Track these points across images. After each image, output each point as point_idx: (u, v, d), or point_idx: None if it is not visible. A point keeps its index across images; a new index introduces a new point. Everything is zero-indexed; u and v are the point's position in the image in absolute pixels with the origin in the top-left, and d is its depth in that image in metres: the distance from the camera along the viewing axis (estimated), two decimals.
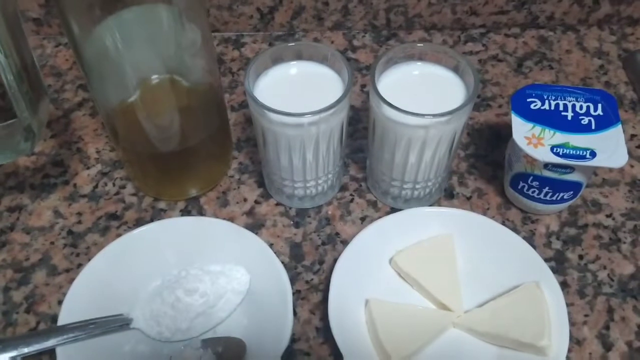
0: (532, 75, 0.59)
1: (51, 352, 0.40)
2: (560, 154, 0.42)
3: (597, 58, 0.60)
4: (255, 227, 0.48)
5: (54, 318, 0.44)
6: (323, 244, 0.47)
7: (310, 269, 0.46)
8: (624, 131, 0.43)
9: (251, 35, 0.63)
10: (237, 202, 0.50)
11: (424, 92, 0.43)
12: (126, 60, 0.41)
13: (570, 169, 0.43)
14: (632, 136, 0.54)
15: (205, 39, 0.43)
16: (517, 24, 0.63)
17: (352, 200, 0.50)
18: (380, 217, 0.48)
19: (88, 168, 0.52)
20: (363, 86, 0.58)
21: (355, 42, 0.63)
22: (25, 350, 0.39)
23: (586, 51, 0.61)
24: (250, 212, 0.49)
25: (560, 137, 0.43)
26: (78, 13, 0.38)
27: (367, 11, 0.61)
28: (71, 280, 0.45)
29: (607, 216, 0.49)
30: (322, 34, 0.63)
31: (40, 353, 0.40)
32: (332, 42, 0.63)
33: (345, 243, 0.47)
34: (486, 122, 0.55)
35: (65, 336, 0.39)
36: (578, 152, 0.42)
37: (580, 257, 0.46)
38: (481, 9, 0.61)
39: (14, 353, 0.38)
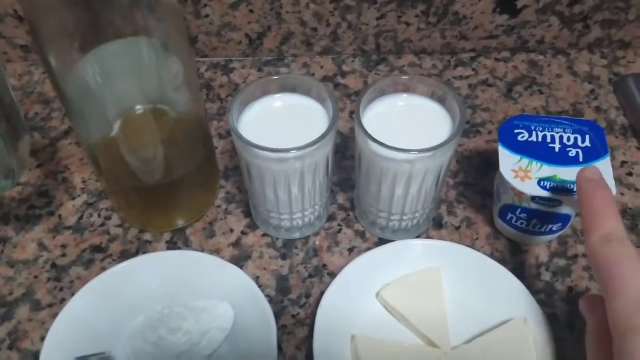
0: (522, 100, 0.58)
1: None
2: (547, 187, 0.42)
3: (587, 82, 0.60)
4: (241, 258, 0.48)
5: (37, 355, 0.43)
6: (310, 276, 0.47)
7: (296, 303, 0.45)
8: (613, 158, 0.43)
9: (240, 61, 0.63)
10: (224, 233, 0.49)
11: (410, 124, 0.43)
12: (107, 95, 0.40)
13: (558, 201, 0.42)
14: (623, 163, 0.53)
15: (188, 70, 0.42)
16: (507, 47, 0.63)
17: (339, 231, 0.50)
18: (368, 248, 0.48)
19: (73, 198, 0.52)
20: (352, 112, 0.58)
21: (345, 67, 0.62)
22: None
23: (576, 75, 0.61)
24: (236, 244, 0.49)
25: (547, 170, 0.42)
26: (57, 48, 0.37)
27: (356, 36, 0.61)
28: (54, 315, 0.44)
29: None
30: (311, 58, 0.63)
31: None
32: (322, 67, 0.62)
33: (332, 275, 0.47)
34: (475, 148, 0.55)
35: None
36: (565, 185, 0.42)
37: (570, 289, 0.46)
38: (471, 34, 0.61)
39: None
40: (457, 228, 0.49)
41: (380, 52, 0.63)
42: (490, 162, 0.54)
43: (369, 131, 0.40)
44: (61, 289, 0.46)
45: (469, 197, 0.51)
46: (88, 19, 0.36)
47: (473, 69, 0.62)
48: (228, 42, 0.61)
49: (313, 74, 0.62)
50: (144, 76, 0.41)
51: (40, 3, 0.35)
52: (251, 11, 0.58)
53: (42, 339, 0.44)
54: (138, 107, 0.43)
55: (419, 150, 0.39)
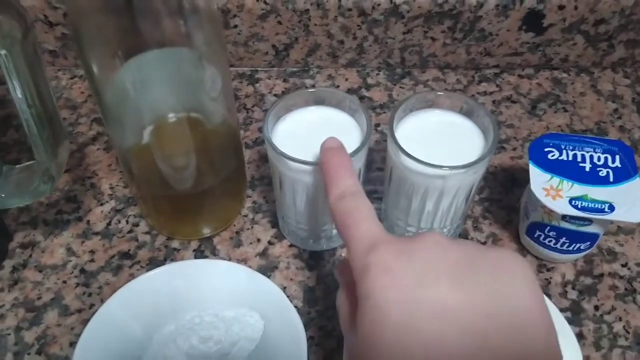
0: (547, 117, 0.59)
1: None
2: (579, 207, 0.42)
3: (611, 101, 0.60)
4: (268, 269, 0.48)
5: None
6: (337, 288, 0.47)
7: (324, 315, 0.46)
8: None
9: (266, 71, 0.64)
10: (251, 243, 0.50)
11: (442, 140, 0.43)
12: (145, 102, 0.41)
13: (589, 221, 0.43)
14: None
15: (225, 80, 0.43)
16: (531, 65, 0.63)
17: None
18: None
19: (101, 204, 0.52)
20: (377, 125, 0.58)
21: (369, 80, 0.63)
22: None
23: (600, 94, 0.61)
24: (263, 254, 0.49)
25: (578, 189, 0.43)
26: (99, 54, 0.38)
27: (382, 50, 0.62)
28: (83, 321, 0.45)
29: (623, 266, 0.48)
30: (336, 71, 0.64)
31: None
32: (346, 79, 0.63)
33: None
34: (500, 165, 0.55)
35: None
36: (596, 205, 0.42)
37: (596, 307, 0.46)
38: (495, 50, 0.61)
39: None
40: (483, 244, 0.50)
41: (405, 66, 0.63)
42: (515, 179, 0.54)
43: (402, 146, 0.41)
44: (90, 295, 0.47)
45: (495, 213, 0.52)
46: (130, 28, 0.37)
47: (497, 85, 0.62)
48: (255, 53, 0.62)
49: (338, 86, 0.62)
50: (183, 86, 0.41)
51: (85, 11, 0.36)
52: (280, 23, 0.59)
53: (71, 344, 0.44)
54: (174, 115, 0.43)
55: (454, 167, 0.40)
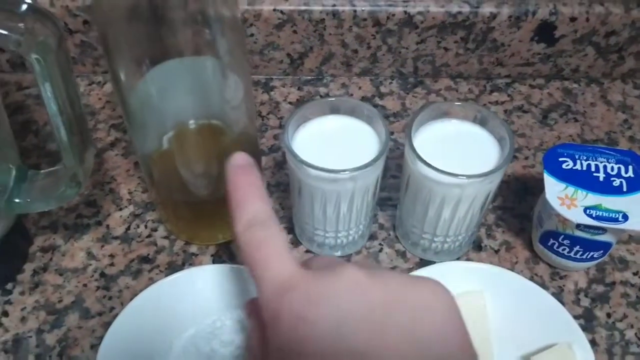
0: (558, 127, 0.60)
1: None
2: (594, 216, 0.43)
3: (621, 112, 0.61)
4: None
5: None
6: None
7: None
8: None
9: (280, 79, 0.65)
10: None
11: (458, 150, 0.44)
12: (168, 109, 0.42)
13: (603, 230, 0.43)
14: None
15: (246, 90, 0.44)
16: (542, 75, 0.64)
17: (381, 250, 0.51)
18: (409, 268, 0.49)
19: (120, 209, 0.53)
20: (390, 133, 0.59)
21: (383, 89, 0.64)
22: None
23: (610, 105, 0.62)
24: None
25: (592, 199, 0.43)
26: (126, 61, 0.39)
27: (395, 59, 0.63)
28: (104, 324, 0.45)
29: (634, 274, 0.49)
30: (349, 79, 0.64)
31: None
32: (360, 87, 0.64)
33: None
34: (513, 173, 0.56)
35: None
36: (611, 215, 0.43)
37: (608, 315, 0.47)
38: (507, 60, 0.62)
39: None
40: (497, 251, 0.50)
41: (417, 75, 0.64)
42: (527, 187, 0.55)
43: (420, 154, 0.42)
44: (110, 298, 0.47)
45: (508, 221, 0.52)
46: (156, 36, 0.38)
47: (508, 95, 0.63)
48: (270, 61, 0.63)
49: (351, 95, 0.63)
50: (206, 94, 0.42)
51: (113, 20, 0.37)
52: (295, 32, 0.60)
53: (92, 347, 0.45)
54: (196, 122, 0.44)
55: (471, 176, 0.41)
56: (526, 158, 0.57)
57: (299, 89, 0.64)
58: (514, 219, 0.52)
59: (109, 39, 0.37)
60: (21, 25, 0.32)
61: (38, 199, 0.42)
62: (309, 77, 0.65)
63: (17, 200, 0.42)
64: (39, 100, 0.62)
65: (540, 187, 0.50)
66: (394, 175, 0.55)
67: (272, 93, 0.63)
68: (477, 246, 0.51)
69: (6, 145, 0.42)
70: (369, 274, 0.26)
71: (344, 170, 0.41)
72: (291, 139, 0.44)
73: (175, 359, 0.42)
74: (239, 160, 0.32)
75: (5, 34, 0.31)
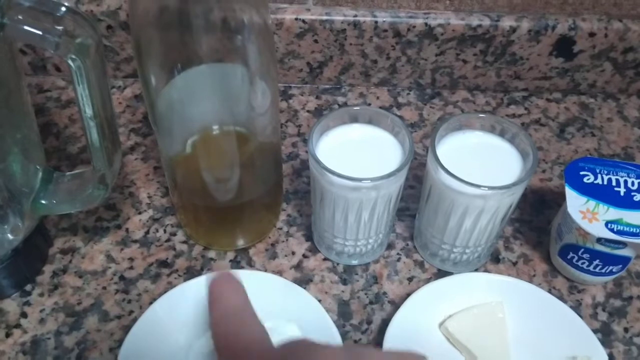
0: (575, 141, 0.60)
1: None
2: (615, 230, 0.43)
3: (637, 128, 0.62)
4: (303, 281, 0.49)
5: None
6: (371, 303, 0.48)
7: (358, 329, 0.46)
8: None
9: (299, 88, 0.65)
10: (286, 255, 0.51)
11: (481, 161, 0.44)
12: (195, 113, 0.42)
13: (623, 244, 0.44)
14: None
15: (273, 97, 0.44)
16: (559, 89, 0.64)
17: (399, 260, 0.51)
18: (427, 279, 0.49)
19: (140, 213, 0.53)
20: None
21: (400, 99, 0.64)
22: None
23: (627, 120, 0.62)
24: (298, 266, 0.50)
25: (614, 213, 0.44)
26: (158, 67, 0.39)
27: (414, 70, 0.63)
28: (123, 327, 0.45)
29: None
30: (367, 89, 0.65)
31: None
32: (378, 97, 0.64)
33: (392, 303, 0.48)
34: (530, 187, 0.56)
35: None
36: (632, 230, 0.43)
37: (626, 329, 0.47)
38: (525, 74, 0.63)
39: None
40: (515, 264, 0.51)
41: (435, 86, 0.65)
42: (545, 201, 0.55)
43: (443, 164, 0.42)
44: (129, 302, 0.48)
45: (525, 234, 0.52)
46: (188, 42, 0.38)
47: (525, 108, 0.63)
48: (289, 70, 0.63)
49: (369, 104, 0.63)
50: (233, 100, 0.42)
51: (147, 25, 0.37)
52: (316, 41, 0.60)
53: (111, 350, 0.45)
54: (221, 127, 0.44)
55: (494, 187, 0.41)
56: (543, 171, 0.58)
57: (317, 97, 0.64)
58: (532, 232, 0.53)
59: (141, 43, 0.37)
60: (60, 27, 0.32)
61: (64, 201, 0.42)
62: (328, 86, 0.65)
63: (43, 202, 0.42)
64: (60, 103, 0.62)
65: (557, 200, 0.50)
66: (412, 186, 0.56)
67: (290, 101, 0.64)
68: (495, 258, 0.51)
69: (33, 147, 0.42)
70: (348, 355, 0.25)
71: (367, 179, 0.41)
72: (315, 146, 0.44)
73: None
74: (219, 273, 0.33)
75: (44, 36, 0.32)
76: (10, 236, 0.43)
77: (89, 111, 0.35)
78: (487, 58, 0.61)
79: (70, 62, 0.33)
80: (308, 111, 0.63)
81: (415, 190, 0.55)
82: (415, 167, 0.57)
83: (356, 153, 0.45)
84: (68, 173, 0.44)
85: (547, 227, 0.52)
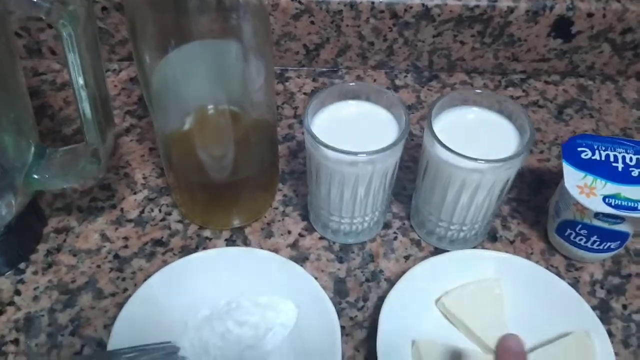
0: (573, 123, 0.60)
1: None
2: (613, 204, 0.42)
3: (636, 109, 0.61)
4: (299, 260, 0.49)
5: (100, 342, 0.44)
6: (367, 280, 0.48)
7: (354, 306, 0.46)
8: None
9: (295, 70, 0.65)
10: (282, 234, 0.50)
11: (477, 136, 0.44)
12: (190, 91, 0.42)
13: (621, 219, 0.43)
14: None
15: (268, 75, 0.44)
16: (557, 71, 0.64)
17: (395, 238, 0.50)
18: (424, 257, 0.49)
19: (135, 193, 0.53)
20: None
21: (398, 82, 0.64)
22: None
23: (625, 102, 0.62)
24: (294, 245, 0.50)
25: (612, 188, 0.43)
26: (152, 45, 0.39)
27: (411, 52, 0.63)
28: (117, 305, 0.45)
29: None
30: (364, 72, 0.65)
31: None
32: (375, 80, 0.64)
33: (389, 281, 0.47)
34: (528, 167, 0.56)
35: None
36: (630, 204, 0.42)
37: (624, 306, 0.46)
38: (523, 56, 0.62)
39: None
40: (512, 242, 0.50)
41: (432, 69, 0.64)
42: (543, 180, 0.55)
43: (440, 139, 0.42)
44: (124, 279, 0.47)
45: (523, 213, 0.52)
46: (182, 19, 0.38)
47: (523, 90, 0.63)
48: (286, 52, 0.63)
49: None
50: (227, 77, 0.42)
51: (140, 5, 0.37)
52: (312, 22, 0.60)
53: (105, 326, 0.45)
54: (216, 105, 0.44)
55: (491, 161, 0.41)
56: (541, 152, 0.57)
57: (314, 80, 0.64)
58: (529, 211, 0.52)
59: (136, 22, 0.37)
60: None
61: (56, 176, 0.42)
62: (324, 69, 0.65)
63: (35, 176, 0.42)
64: (55, 86, 0.62)
65: (555, 180, 0.50)
66: (409, 167, 0.55)
67: (287, 84, 0.63)
68: (492, 237, 0.51)
69: (25, 121, 0.42)
70: None
71: (363, 153, 0.41)
72: (311, 122, 0.44)
73: (190, 339, 0.42)
74: (514, 344, 0.36)
75: (36, 2, 0.31)
76: (3, 212, 0.42)
77: (80, 80, 0.35)
78: (485, 39, 0.61)
79: (61, 28, 0.33)
80: (304, 93, 0.62)
81: (412, 171, 0.55)
82: (412, 147, 0.57)
83: (352, 129, 0.45)
84: (61, 149, 0.43)
85: (545, 207, 0.52)
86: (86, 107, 0.36)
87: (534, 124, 0.60)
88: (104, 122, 0.38)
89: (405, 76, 0.64)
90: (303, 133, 0.57)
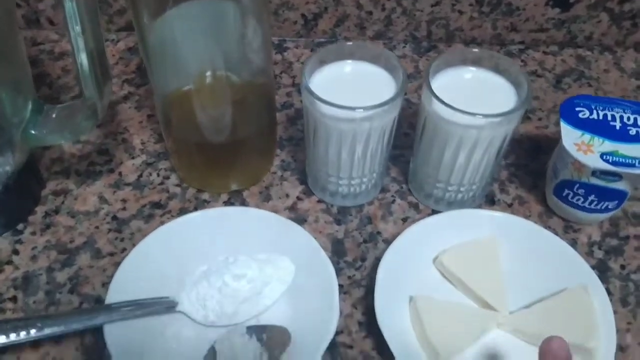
0: (571, 91, 0.60)
1: (95, 331, 0.40)
2: (610, 161, 0.42)
3: (634, 79, 0.61)
4: (297, 221, 0.48)
5: (98, 299, 0.44)
6: (365, 241, 0.48)
7: (352, 265, 0.46)
8: None
9: (294, 41, 0.65)
10: (280, 197, 0.50)
11: (475, 95, 0.44)
12: (187, 51, 0.42)
13: (618, 176, 0.43)
14: None
15: (265, 35, 0.44)
16: (556, 42, 0.64)
17: (393, 202, 0.50)
18: (422, 219, 0.49)
19: (133, 158, 0.53)
20: (405, 93, 0.59)
21: (396, 52, 0.64)
22: (74, 326, 0.39)
23: (623, 71, 0.62)
24: (292, 208, 0.50)
25: (609, 146, 0.43)
26: (149, 1, 0.39)
27: (410, 22, 0.63)
28: (115, 264, 0.45)
29: None
30: (363, 42, 0.64)
31: (85, 331, 0.40)
32: None
33: (387, 242, 0.47)
34: (526, 133, 0.56)
35: (112, 315, 0.39)
36: (627, 160, 0.42)
37: (622, 267, 0.47)
38: (521, 25, 0.62)
39: (62, 328, 0.39)
40: (510, 205, 0.50)
41: (431, 39, 0.64)
42: (541, 147, 0.55)
43: (438, 95, 0.42)
44: (122, 240, 0.47)
45: (521, 177, 0.52)
46: None
47: (522, 61, 0.63)
48: (284, 22, 0.63)
49: None
50: (225, 37, 0.42)
51: None
52: None
53: (104, 284, 0.45)
54: (214, 66, 0.44)
55: (489, 115, 0.41)
56: (540, 119, 0.57)
57: (312, 50, 0.64)
58: (528, 176, 0.52)
59: None
60: None
61: (54, 131, 0.42)
62: (323, 40, 0.65)
63: (32, 132, 0.42)
64: (53, 55, 0.62)
65: (553, 146, 0.50)
66: (407, 133, 0.55)
67: (285, 54, 0.63)
68: (490, 200, 0.51)
69: (22, 77, 0.42)
70: None
71: (360, 108, 0.41)
72: (309, 81, 0.44)
73: (187, 294, 0.42)
74: (558, 347, 0.33)
75: None
76: (1, 169, 0.42)
77: (77, 28, 0.35)
78: (483, 9, 0.61)
79: None
80: (303, 63, 0.62)
81: (410, 138, 0.54)
82: (410, 115, 0.57)
83: (350, 88, 0.44)
84: (58, 105, 0.43)
85: (543, 171, 0.52)
86: (83, 58, 0.36)
87: (533, 93, 0.60)
88: (101, 76, 0.38)
89: (404, 47, 0.64)
90: (301, 101, 0.57)
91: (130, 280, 0.42)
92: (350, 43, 0.46)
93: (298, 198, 0.51)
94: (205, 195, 0.50)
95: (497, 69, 0.45)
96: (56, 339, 0.41)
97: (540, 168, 0.52)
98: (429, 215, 0.49)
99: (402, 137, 0.55)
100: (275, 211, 0.49)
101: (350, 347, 0.42)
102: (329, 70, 0.45)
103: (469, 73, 0.45)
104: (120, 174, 0.52)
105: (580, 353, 0.39)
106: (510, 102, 0.43)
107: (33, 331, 0.38)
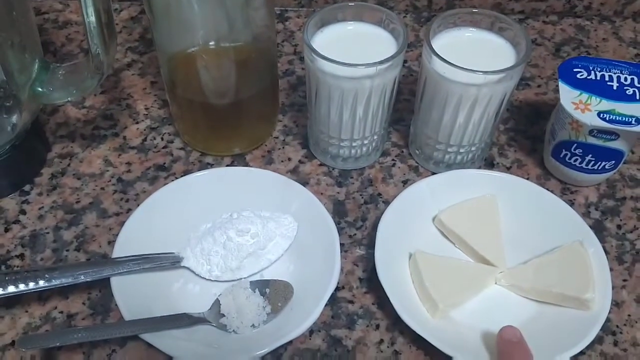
0: None
1: (102, 285, 0.41)
2: (607, 119, 0.43)
3: (632, 47, 0.62)
4: (299, 184, 0.49)
5: (104, 256, 0.45)
6: (365, 203, 0.49)
7: (353, 225, 0.47)
8: None
9: (295, 11, 0.65)
10: (282, 161, 0.51)
11: (475, 54, 0.45)
12: (192, 11, 0.42)
13: (615, 135, 0.44)
14: None
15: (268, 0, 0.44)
16: (555, 11, 0.65)
17: (394, 165, 0.51)
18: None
19: (137, 123, 0.54)
20: (404, 61, 0.60)
21: None
22: (82, 278, 0.40)
23: (622, 40, 0.63)
24: (294, 170, 0.51)
25: (606, 105, 0.44)
26: None
27: None
28: (121, 223, 0.46)
29: None
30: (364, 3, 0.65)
31: (92, 284, 0.41)
32: None
33: (387, 203, 0.48)
34: (525, 100, 0.56)
35: (118, 267, 0.40)
36: (624, 119, 0.43)
37: (619, 226, 0.47)
38: None
39: (69, 279, 0.39)
40: (509, 168, 0.51)
41: (431, 9, 0.65)
42: (539, 112, 0.55)
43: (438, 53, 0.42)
44: (127, 200, 0.48)
45: (520, 141, 0.53)
46: None
47: None
48: None
49: None
50: None
51: None
52: None
53: (110, 242, 0.45)
54: (219, 25, 0.44)
55: (488, 72, 0.41)
56: (539, 86, 0.58)
57: None
58: (526, 140, 0.53)
59: None
60: None
61: (60, 88, 0.43)
62: None
63: (39, 89, 0.43)
64: (57, 24, 0.63)
65: (552, 111, 0.51)
66: (407, 99, 0.56)
67: (286, 23, 0.64)
68: (489, 163, 0.51)
69: (30, 37, 0.43)
70: None
71: (362, 65, 0.41)
72: (310, 40, 0.45)
73: (192, 249, 0.42)
74: (511, 335, 0.37)
75: None
76: (8, 126, 0.43)
77: None
78: None
79: None
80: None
81: (410, 104, 0.55)
82: (411, 82, 0.57)
83: (351, 48, 0.45)
84: (64, 64, 0.44)
85: (541, 136, 0.52)
86: (90, 12, 0.37)
87: (532, 60, 0.60)
88: (107, 32, 0.39)
89: (405, 16, 0.65)
90: (303, 68, 0.58)
91: (136, 237, 0.42)
92: (352, 4, 0.46)
93: (300, 161, 0.51)
94: (209, 159, 0.51)
95: (497, 30, 0.46)
96: (64, 294, 0.42)
97: (538, 133, 0.53)
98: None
99: (402, 102, 0.56)
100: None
101: (351, 302, 0.43)
102: (330, 31, 0.46)
103: (469, 33, 0.46)
104: (124, 137, 0.52)
105: (576, 305, 0.39)
106: (509, 62, 0.44)
107: (41, 282, 0.39)
